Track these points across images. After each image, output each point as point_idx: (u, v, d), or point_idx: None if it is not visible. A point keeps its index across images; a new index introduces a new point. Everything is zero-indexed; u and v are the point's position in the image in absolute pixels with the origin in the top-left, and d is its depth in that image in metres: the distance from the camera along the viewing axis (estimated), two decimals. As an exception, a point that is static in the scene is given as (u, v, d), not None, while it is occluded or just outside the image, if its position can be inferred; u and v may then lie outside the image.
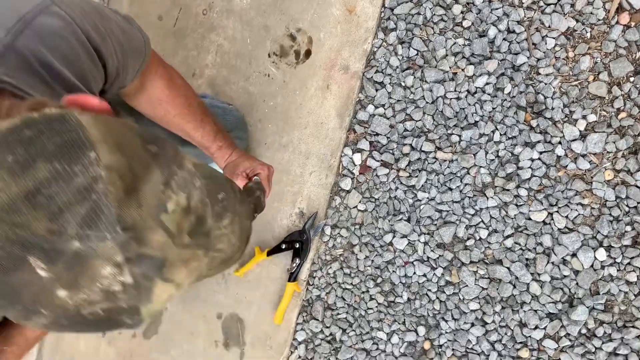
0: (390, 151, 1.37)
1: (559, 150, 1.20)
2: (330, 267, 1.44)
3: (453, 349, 1.32)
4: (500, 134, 1.25)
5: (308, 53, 1.46)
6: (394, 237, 1.37)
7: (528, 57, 1.22)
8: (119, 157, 0.39)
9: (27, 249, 0.36)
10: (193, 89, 1.07)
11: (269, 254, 1.48)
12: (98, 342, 1.76)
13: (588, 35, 1.17)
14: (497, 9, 1.24)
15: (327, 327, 1.45)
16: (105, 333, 1.76)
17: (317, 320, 1.45)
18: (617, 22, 1.14)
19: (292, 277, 1.45)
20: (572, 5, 1.18)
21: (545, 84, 1.21)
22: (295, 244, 1.45)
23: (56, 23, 0.62)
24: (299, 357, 1.49)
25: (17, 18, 0.59)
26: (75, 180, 0.37)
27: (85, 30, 0.65)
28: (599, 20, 1.16)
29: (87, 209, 0.37)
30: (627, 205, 1.15)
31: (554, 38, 1.20)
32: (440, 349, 1.33)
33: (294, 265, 1.45)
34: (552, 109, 1.20)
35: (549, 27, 1.20)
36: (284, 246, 1.46)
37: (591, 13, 1.17)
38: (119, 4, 1.70)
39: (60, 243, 0.36)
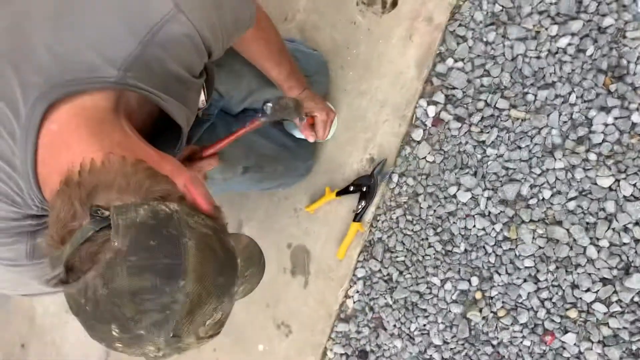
0: (465, 105, 1.40)
1: (635, 117, 1.18)
2: (394, 213, 1.52)
3: (503, 302, 1.37)
4: (577, 97, 1.25)
5: (394, 3, 1.50)
6: (458, 189, 1.42)
7: (616, 20, 1.19)
8: (198, 287, 0.59)
9: (115, 319, 0.57)
10: (277, 32, 1.17)
11: (338, 194, 1.58)
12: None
13: (685, -1, 1.12)
14: (590, -33, 1.21)
15: (386, 268, 1.55)
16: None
17: (377, 260, 1.55)
18: None
19: (357, 217, 1.55)
20: (672, -34, 1.13)
21: (631, 48, 1.18)
22: (363, 187, 1.54)
23: (178, 31, 0.73)
24: (357, 291, 1.60)
25: (147, 29, 0.70)
26: (163, 297, 0.57)
27: (203, 34, 0.76)
28: (699, -17, 1.11)
29: (159, 317, 0.57)
30: (700, 180, 1.13)
31: (646, 0, 1.16)
32: (490, 300, 1.39)
33: (360, 207, 1.54)
34: (635, 74, 1.18)
35: (644, -12, 1.16)
36: (352, 188, 1.56)
37: (692, -25, 1.11)
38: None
39: (134, 326, 0.57)
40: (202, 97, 0.99)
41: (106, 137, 0.67)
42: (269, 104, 1.12)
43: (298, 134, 1.49)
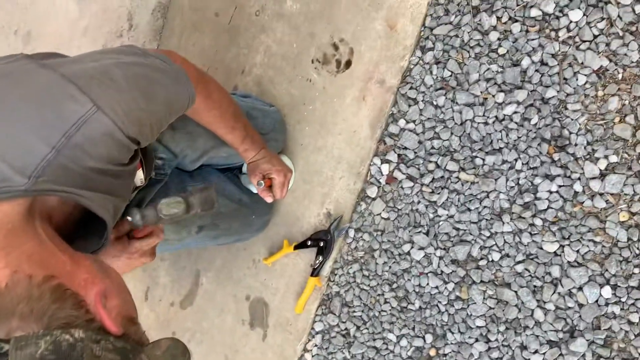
0: (417, 166, 1.43)
1: (577, 186, 1.23)
2: (351, 268, 1.54)
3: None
4: (523, 163, 1.29)
5: (348, 63, 1.52)
6: (412, 247, 1.44)
7: (558, 91, 1.24)
8: None
9: None
10: (230, 99, 1.18)
11: (296, 248, 1.59)
12: (140, 305, 1.95)
13: (619, 76, 1.18)
14: (533, 39, 1.26)
15: (343, 322, 1.56)
16: (147, 297, 1.95)
17: (335, 314, 1.56)
18: (651, 67, 1.14)
19: (315, 272, 1.56)
20: (607, 45, 1.18)
21: (572, 119, 1.22)
22: (320, 242, 1.55)
23: (97, 131, 0.72)
24: (316, 345, 1.61)
25: (61, 134, 0.69)
26: None
27: (126, 130, 0.76)
28: (632, 62, 1.16)
29: None
30: (637, 248, 1.17)
31: (585, 75, 1.21)
32: (444, 358, 1.41)
33: (317, 262, 1.55)
34: (576, 145, 1.22)
35: (582, 63, 1.21)
36: (309, 243, 1.57)
37: (625, 54, 1.17)
38: (181, 0, 1.82)
39: None
40: (140, 175, 0.99)
41: (15, 249, 0.65)
42: (136, 215, 1.01)
43: (255, 189, 1.50)
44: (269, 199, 1.40)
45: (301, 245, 1.58)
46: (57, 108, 0.71)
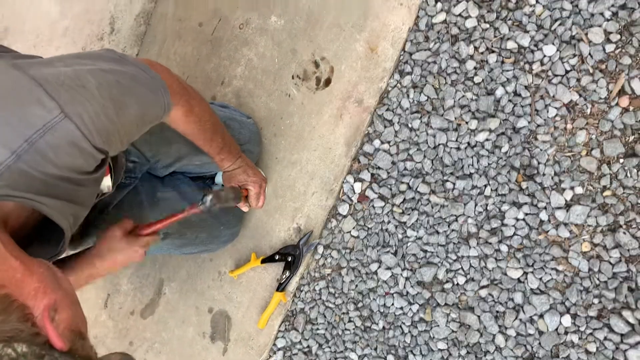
0: (389, 186, 1.44)
1: (543, 215, 1.26)
2: (317, 285, 1.53)
3: (416, 382, 1.39)
4: (491, 190, 1.31)
5: (328, 81, 1.54)
6: (379, 267, 1.45)
7: (529, 122, 1.27)
8: None
9: None
10: (210, 112, 1.18)
11: (263, 261, 1.57)
12: (99, 312, 1.90)
13: (588, 111, 1.22)
14: (508, 70, 1.30)
15: (306, 340, 1.54)
16: (107, 305, 1.90)
17: (298, 331, 1.55)
18: (617, 104, 1.19)
19: (281, 287, 1.55)
20: (578, 80, 1.23)
21: (541, 150, 1.26)
22: (288, 257, 1.54)
23: (62, 139, 0.70)
24: (276, 361, 1.58)
25: (23, 139, 0.67)
26: None
27: (93, 140, 0.74)
28: (601, 98, 1.21)
29: None
30: (598, 279, 1.20)
31: (556, 108, 1.25)
32: (404, 380, 1.41)
33: (284, 276, 1.54)
34: (543, 175, 1.26)
35: (553, 96, 1.25)
36: (277, 257, 1.56)
37: (594, 91, 1.21)
38: (166, 7, 1.82)
39: None
40: (108, 182, 0.97)
41: None
42: (209, 197, 1.11)
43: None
44: (244, 209, 1.39)
45: (269, 259, 1.57)
46: (22, 111, 0.69)
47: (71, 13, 1.96)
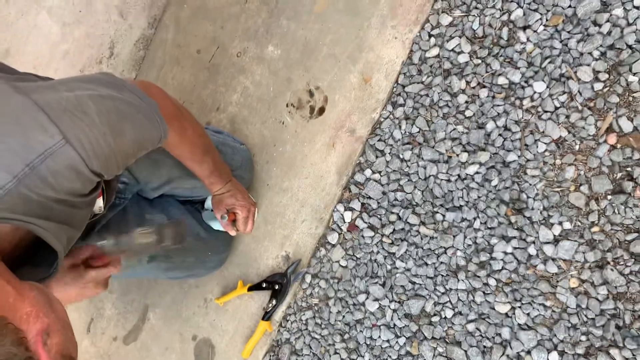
0: (379, 216, 1.44)
1: (532, 250, 1.25)
2: (304, 314, 1.51)
3: (401, 418, 1.36)
4: (481, 222, 1.31)
5: (322, 110, 1.56)
6: (367, 298, 1.43)
7: (518, 156, 1.28)
8: None
9: None
10: (203, 135, 1.19)
11: (250, 289, 1.55)
12: (82, 337, 1.86)
13: (577, 147, 1.23)
14: (498, 105, 1.32)
15: (290, 371, 1.51)
16: (89, 330, 1.86)
17: (282, 361, 1.52)
18: (605, 141, 1.20)
19: (267, 316, 1.53)
20: (567, 117, 1.25)
21: (530, 184, 1.27)
22: (276, 285, 1.53)
23: (62, 164, 0.71)
24: (259, 393, 1.54)
25: (25, 164, 0.68)
26: None
27: (91, 164, 0.75)
28: (589, 135, 1.22)
29: None
30: (585, 316, 1.19)
31: (545, 143, 1.26)
32: (389, 415, 1.37)
33: (270, 305, 1.52)
34: (532, 209, 1.26)
35: (543, 132, 1.26)
36: (264, 285, 1.54)
37: (583, 127, 1.23)
38: (165, 33, 1.85)
39: None
40: (100, 204, 0.97)
41: None
42: (110, 242, 1.02)
43: (216, 226, 1.48)
44: (232, 232, 1.39)
45: (256, 287, 1.55)
46: (25, 136, 0.70)
47: (72, 37, 1.99)
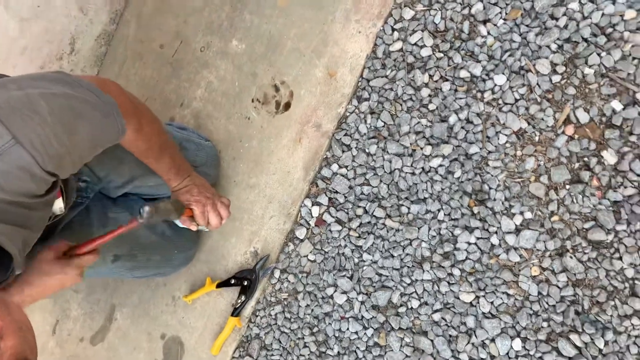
0: (346, 210, 1.45)
1: (494, 240, 1.28)
2: (273, 309, 1.51)
3: (371, 409, 1.37)
4: (445, 214, 1.33)
5: (287, 105, 1.56)
6: (335, 291, 1.44)
7: (480, 148, 1.31)
8: None
9: None
10: (161, 132, 1.17)
11: (219, 286, 1.55)
12: (47, 339, 1.82)
13: (536, 138, 1.26)
14: (460, 98, 1.34)
15: (260, 366, 1.51)
16: (55, 331, 1.82)
17: (252, 357, 1.51)
18: (563, 132, 1.23)
19: (236, 312, 1.52)
20: (527, 109, 1.27)
21: (492, 175, 1.29)
22: (244, 281, 1.52)
23: (12, 164, 0.71)
24: (229, 389, 1.54)
25: None
26: None
27: (44, 164, 0.74)
28: (548, 127, 1.25)
29: None
30: (547, 303, 1.22)
31: (506, 135, 1.29)
32: (359, 407, 1.39)
33: (239, 301, 1.52)
34: (494, 200, 1.28)
35: (504, 124, 1.29)
36: (233, 281, 1.53)
37: (542, 119, 1.26)
38: (127, 29, 1.82)
39: None
40: (60, 204, 0.96)
41: None
42: (146, 208, 1.07)
43: (179, 223, 1.46)
44: (192, 228, 1.37)
45: (224, 284, 1.55)
46: None
47: (30, 32, 1.93)
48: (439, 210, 1.34)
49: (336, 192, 1.47)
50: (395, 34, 1.43)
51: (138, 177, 1.36)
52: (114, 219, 1.32)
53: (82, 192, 1.29)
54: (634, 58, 1.19)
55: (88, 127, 0.85)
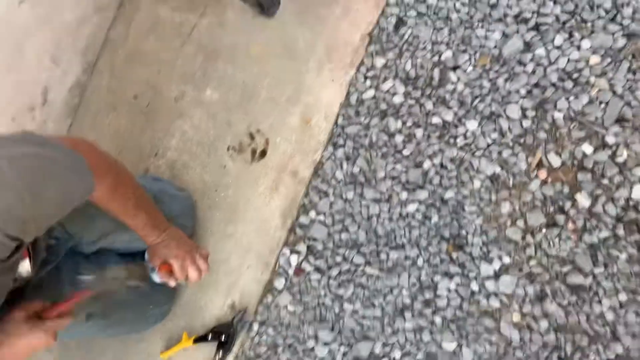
0: (325, 258, 1.43)
1: (474, 285, 1.27)
2: (252, 364, 1.47)
3: None
4: (424, 260, 1.32)
5: (263, 153, 1.55)
6: (316, 343, 1.40)
7: (455, 193, 1.31)
8: None
9: None
10: (135, 187, 1.15)
11: (196, 341, 1.50)
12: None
13: (510, 183, 1.27)
14: (434, 144, 1.35)
15: None
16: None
17: (232, 415, 1.46)
18: (537, 176, 1.24)
19: (214, 367, 1.47)
20: (500, 153, 1.29)
21: (469, 220, 1.29)
22: (222, 336, 1.47)
23: None
24: None
25: None
26: None
27: (5, 228, 0.73)
28: (521, 171, 1.26)
29: None
30: (529, 349, 1.21)
31: (480, 180, 1.29)
32: None
33: (217, 357, 1.47)
34: (472, 245, 1.28)
35: (477, 169, 1.30)
36: (210, 336, 1.48)
37: (515, 163, 1.27)
38: (100, 79, 1.81)
39: None
40: (27, 266, 0.92)
41: None
42: (89, 277, 1.05)
43: (156, 278, 1.42)
44: (171, 284, 1.33)
45: (201, 339, 1.50)
46: None
47: (1, 84, 1.92)
48: (417, 256, 1.33)
49: (315, 239, 1.45)
50: (368, 81, 1.44)
51: (111, 232, 1.33)
52: (86, 280, 1.28)
53: (53, 250, 1.26)
54: (600, 102, 1.22)
55: (55, 187, 0.83)
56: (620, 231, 1.16)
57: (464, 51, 1.35)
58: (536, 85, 1.28)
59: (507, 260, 1.25)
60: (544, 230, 1.22)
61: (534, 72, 1.28)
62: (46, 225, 0.86)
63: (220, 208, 1.57)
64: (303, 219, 1.47)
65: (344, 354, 1.37)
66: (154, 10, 1.76)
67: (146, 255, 1.46)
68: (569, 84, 1.24)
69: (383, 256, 1.37)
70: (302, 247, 1.46)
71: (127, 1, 1.83)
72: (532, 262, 1.23)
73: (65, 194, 0.87)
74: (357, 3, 1.49)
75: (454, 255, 1.29)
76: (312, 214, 1.46)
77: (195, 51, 1.68)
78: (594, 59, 1.24)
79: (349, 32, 1.49)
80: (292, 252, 1.47)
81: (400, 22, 1.42)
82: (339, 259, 1.41)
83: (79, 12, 1.87)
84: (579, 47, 1.25)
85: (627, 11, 1.24)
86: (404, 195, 1.36)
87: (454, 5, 1.37)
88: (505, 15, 1.33)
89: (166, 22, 1.73)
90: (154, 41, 1.74)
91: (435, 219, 1.32)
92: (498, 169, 1.28)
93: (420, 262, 1.33)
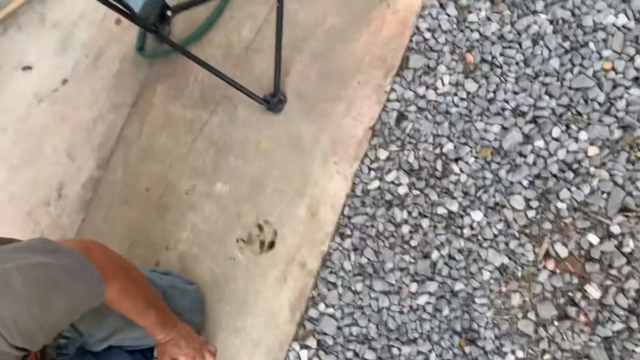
0: (335, 353, 1.41)
1: (490, 382, 1.24)
2: None
3: None
4: (436, 355, 1.30)
5: (272, 244, 1.57)
6: None
7: (465, 285, 1.31)
8: None
9: None
10: (145, 287, 1.17)
11: None
12: None
13: (519, 274, 1.27)
14: (441, 234, 1.36)
15: None
16: None
17: None
18: (545, 267, 1.24)
19: None
20: (506, 244, 1.29)
21: (480, 313, 1.28)
22: None
23: None
24: None
25: None
26: None
27: (12, 340, 0.74)
28: (529, 262, 1.26)
29: None
30: None
31: (489, 271, 1.29)
32: None
33: None
34: (484, 338, 1.26)
35: (485, 260, 1.30)
36: None
37: (522, 254, 1.27)
38: (114, 174, 1.87)
39: None
40: None
41: None
42: None
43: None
44: None
45: None
46: None
47: (19, 180, 1.98)
48: (430, 351, 1.31)
49: (325, 333, 1.43)
50: (372, 173, 1.48)
51: (121, 329, 1.33)
52: None
53: (63, 349, 1.26)
54: (602, 192, 1.24)
55: (64, 296, 0.85)
56: (634, 323, 1.14)
57: (465, 143, 1.39)
58: (538, 176, 1.31)
59: (520, 354, 1.22)
60: (556, 322, 1.21)
61: (534, 163, 1.31)
62: (54, 333, 0.87)
63: (230, 301, 1.57)
64: (312, 312, 1.46)
65: None
66: (166, 108, 1.84)
67: (155, 353, 1.45)
68: (569, 175, 1.27)
69: (395, 351, 1.35)
70: (312, 342, 1.44)
71: (141, 99, 1.92)
72: (547, 357, 1.20)
73: (75, 304, 0.89)
74: (360, 99, 1.56)
75: (467, 349, 1.27)
76: (322, 306, 1.46)
77: (206, 146, 1.74)
78: (593, 150, 1.27)
79: (352, 126, 1.55)
80: (302, 347, 1.45)
81: (401, 117, 1.48)
82: (349, 354, 1.39)
83: (96, 111, 1.96)
84: (576, 139, 1.28)
85: (621, 104, 1.28)
86: (414, 287, 1.36)
87: (453, 100, 1.43)
88: (503, 109, 1.38)
89: (178, 119, 1.81)
90: (167, 137, 1.81)
91: (446, 311, 1.31)
92: (506, 260, 1.29)
93: (433, 357, 1.30)
